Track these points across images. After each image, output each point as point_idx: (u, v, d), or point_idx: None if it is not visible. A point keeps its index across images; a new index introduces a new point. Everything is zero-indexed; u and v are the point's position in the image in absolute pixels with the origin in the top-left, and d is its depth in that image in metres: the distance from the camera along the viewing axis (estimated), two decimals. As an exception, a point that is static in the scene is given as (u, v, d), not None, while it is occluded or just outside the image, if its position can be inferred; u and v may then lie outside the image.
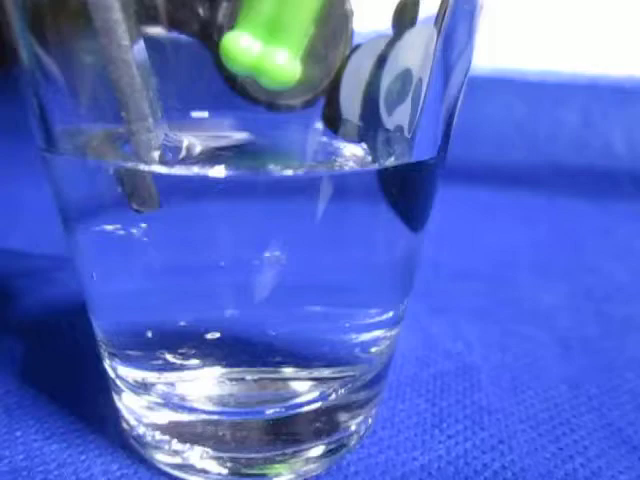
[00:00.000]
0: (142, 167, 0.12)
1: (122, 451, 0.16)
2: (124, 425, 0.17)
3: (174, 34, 0.13)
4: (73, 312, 0.24)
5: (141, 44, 0.12)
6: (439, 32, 0.13)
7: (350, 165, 0.14)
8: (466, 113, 0.15)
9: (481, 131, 0.64)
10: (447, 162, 0.15)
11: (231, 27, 0.13)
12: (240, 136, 0.15)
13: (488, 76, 0.68)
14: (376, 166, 0.14)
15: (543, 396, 0.20)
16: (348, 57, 0.14)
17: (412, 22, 0.13)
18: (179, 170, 0.13)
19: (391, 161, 0.14)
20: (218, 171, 0.12)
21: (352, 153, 0.14)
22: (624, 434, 0.18)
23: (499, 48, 0.71)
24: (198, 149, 0.14)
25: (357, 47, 0.14)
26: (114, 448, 0.16)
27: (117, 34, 0.12)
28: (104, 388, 0.17)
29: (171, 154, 0.13)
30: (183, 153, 0.14)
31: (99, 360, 0.16)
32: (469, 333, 0.25)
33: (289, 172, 0.13)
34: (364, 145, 0.14)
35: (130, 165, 0.13)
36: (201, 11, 0.12)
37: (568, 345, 0.24)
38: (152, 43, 0.12)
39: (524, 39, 0.72)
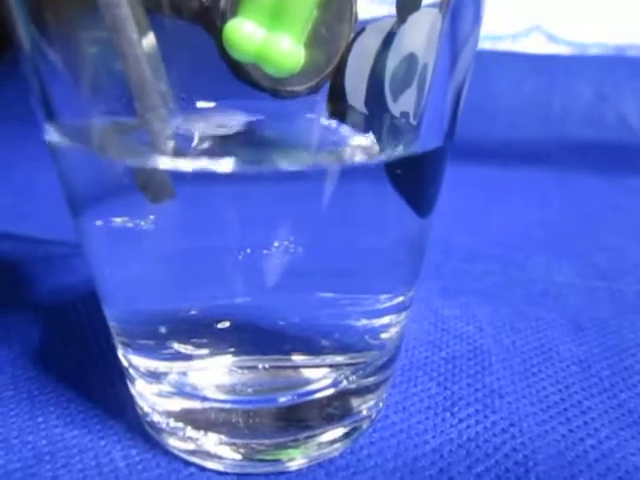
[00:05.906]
0: (156, 159, 0.12)
1: (140, 436, 0.17)
2: (139, 412, 0.17)
3: (177, 21, 0.13)
4: (91, 298, 0.24)
5: (151, 35, 0.12)
6: (444, 16, 0.13)
7: (356, 155, 0.14)
8: (476, 88, 0.15)
9: (492, 106, 0.63)
10: (454, 139, 0.15)
11: (234, 14, 0.13)
12: (247, 125, 0.15)
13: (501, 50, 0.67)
14: (382, 155, 0.14)
15: (554, 378, 0.20)
16: (352, 41, 0.13)
17: (416, 6, 0.13)
18: (191, 162, 0.13)
19: (397, 149, 0.14)
20: (228, 164, 0.12)
21: (358, 142, 0.14)
22: (635, 415, 0.18)
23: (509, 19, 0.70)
24: (208, 138, 0.14)
25: (362, 31, 0.13)
26: (132, 433, 0.17)
27: (126, 29, 0.12)
28: (121, 374, 0.17)
29: (183, 143, 0.13)
30: (195, 142, 0.14)
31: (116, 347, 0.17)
32: (480, 315, 0.24)
33: (297, 166, 0.13)
34: (370, 132, 0.14)
35: (144, 158, 0.13)
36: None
37: (580, 326, 0.24)
38: (156, 30, 0.12)
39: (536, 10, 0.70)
